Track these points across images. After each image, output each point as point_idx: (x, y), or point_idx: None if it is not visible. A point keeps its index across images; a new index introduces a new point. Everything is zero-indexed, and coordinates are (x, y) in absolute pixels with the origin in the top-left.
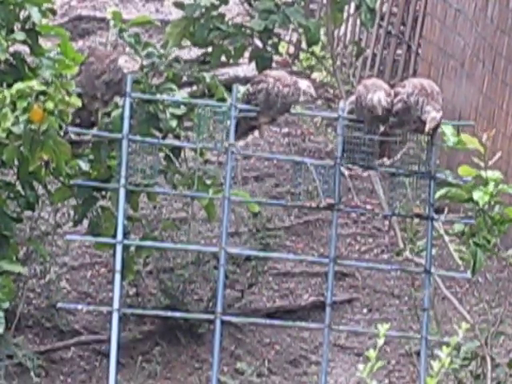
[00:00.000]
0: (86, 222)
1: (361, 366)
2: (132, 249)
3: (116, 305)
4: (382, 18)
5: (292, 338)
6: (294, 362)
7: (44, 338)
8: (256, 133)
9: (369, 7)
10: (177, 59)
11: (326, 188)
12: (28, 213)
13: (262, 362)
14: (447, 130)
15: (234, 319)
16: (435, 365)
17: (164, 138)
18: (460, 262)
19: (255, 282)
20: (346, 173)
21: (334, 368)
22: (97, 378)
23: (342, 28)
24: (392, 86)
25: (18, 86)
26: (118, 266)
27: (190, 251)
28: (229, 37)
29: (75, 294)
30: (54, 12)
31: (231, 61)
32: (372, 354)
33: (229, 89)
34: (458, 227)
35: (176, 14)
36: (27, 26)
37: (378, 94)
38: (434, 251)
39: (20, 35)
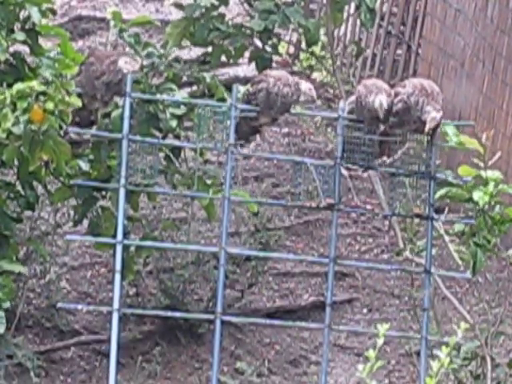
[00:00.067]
0: (86, 222)
1: (360, 366)
2: (132, 249)
3: (116, 305)
4: (382, 18)
5: (292, 338)
6: (294, 362)
7: (44, 338)
8: (258, 137)
9: (368, 7)
10: (177, 59)
11: (326, 188)
12: (28, 213)
13: (261, 362)
14: (449, 130)
15: (234, 319)
16: (434, 365)
17: (164, 137)
18: (460, 262)
19: (255, 281)
20: (346, 173)
21: (333, 368)
22: (97, 378)
23: (342, 28)
24: (392, 86)
25: (18, 86)
26: (118, 266)
27: (190, 251)
28: (229, 37)
29: (75, 294)
30: (54, 12)
31: (231, 61)
32: (372, 354)
33: (229, 89)
34: (458, 227)
35: (176, 14)
36: (27, 26)
37: (379, 97)
38: (434, 251)
39: (20, 35)
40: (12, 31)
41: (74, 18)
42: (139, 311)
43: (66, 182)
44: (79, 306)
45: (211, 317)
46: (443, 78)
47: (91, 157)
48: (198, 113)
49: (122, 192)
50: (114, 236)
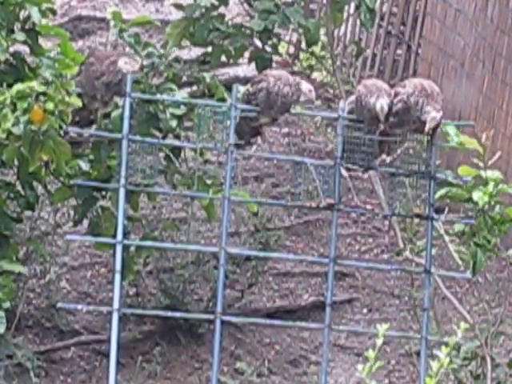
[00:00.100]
0: (86, 222)
1: (360, 367)
2: (132, 249)
3: (116, 305)
4: (382, 18)
5: (292, 338)
6: (294, 362)
7: (44, 338)
8: (259, 139)
9: (368, 7)
10: (177, 59)
11: (326, 188)
12: (28, 213)
13: (261, 362)
14: (450, 130)
15: (234, 319)
16: (434, 365)
17: (164, 138)
18: (460, 262)
19: (255, 281)
20: (346, 174)
21: (334, 368)
22: (97, 378)
23: (342, 28)
24: (392, 86)
25: (19, 86)
26: (118, 266)
27: (190, 251)
28: (229, 37)
29: (75, 294)
30: (54, 12)
31: (231, 61)
32: (371, 354)
33: (229, 89)
34: (458, 227)
35: (176, 15)
36: (27, 26)
37: (380, 100)
38: (434, 251)
39: (20, 35)
40: (12, 31)
41: (74, 18)
42: (139, 311)
43: (66, 181)
44: (79, 306)
45: (211, 317)
46: (443, 78)
47: (91, 157)
48: (198, 113)
49: (121, 192)
50: (114, 236)
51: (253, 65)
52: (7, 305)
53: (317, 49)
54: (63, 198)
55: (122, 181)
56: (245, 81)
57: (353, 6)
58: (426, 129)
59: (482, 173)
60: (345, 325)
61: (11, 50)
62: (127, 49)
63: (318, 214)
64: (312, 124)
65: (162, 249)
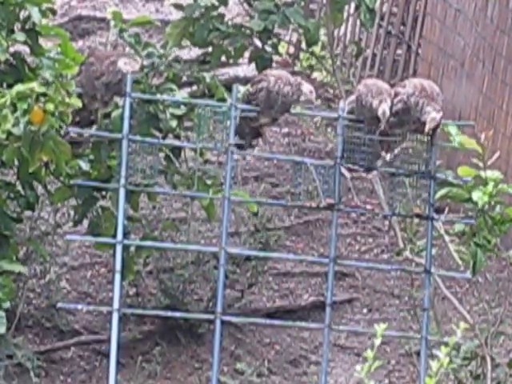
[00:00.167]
0: (86, 222)
1: (359, 367)
2: (132, 249)
3: (116, 305)
4: (382, 18)
5: (292, 338)
6: (294, 362)
7: (44, 338)
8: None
9: (368, 7)
10: (177, 59)
11: (326, 188)
12: (28, 213)
13: (261, 362)
14: (452, 129)
15: (234, 319)
16: (434, 365)
17: (164, 138)
18: (460, 262)
19: (255, 281)
20: (348, 175)
21: (334, 368)
22: (97, 378)
23: (342, 28)
24: (392, 86)
25: (19, 87)
26: (118, 266)
27: (190, 251)
28: (228, 37)
29: (75, 293)
30: (54, 12)
31: (231, 61)
32: (370, 354)
33: (229, 89)
34: (458, 227)
35: (176, 15)
36: (27, 26)
37: (383, 105)
38: (434, 251)
39: (20, 35)
40: (12, 31)
41: (74, 18)
42: (139, 311)
43: (66, 181)
44: (79, 306)
45: (211, 317)
46: (443, 78)
47: (91, 157)
48: (198, 113)
49: (121, 192)
50: (114, 236)
51: (253, 65)
52: (7, 305)
53: (317, 49)
54: (63, 198)
55: (122, 181)
56: (245, 81)
57: (353, 5)
58: (426, 129)
59: (482, 173)
60: (345, 325)
61: (11, 50)
62: (127, 49)
63: (318, 214)
64: (312, 124)
65: (161, 249)
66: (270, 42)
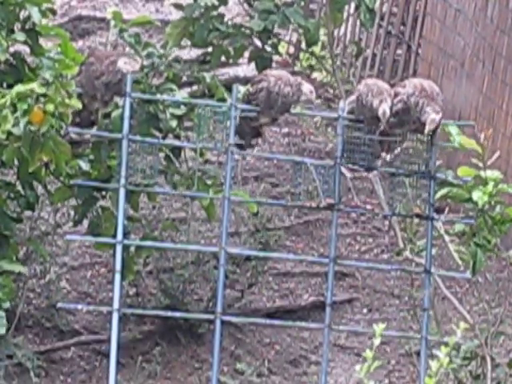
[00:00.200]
0: (86, 222)
1: (358, 367)
2: (132, 249)
3: (116, 305)
4: (382, 18)
5: (292, 338)
6: (294, 362)
7: (44, 338)
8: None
9: (368, 7)
10: (177, 59)
11: (326, 188)
12: (28, 213)
13: (261, 362)
14: (453, 130)
15: (234, 319)
16: (434, 365)
17: (164, 138)
18: (460, 262)
19: (255, 281)
20: (349, 175)
21: (334, 368)
22: (97, 377)
23: (342, 28)
24: (392, 86)
25: (19, 88)
26: (118, 266)
27: (190, 251)
28: (228, 37)
29: (75, 293)
30: (54, 12)
31: (231, 61)
32: (369, 354)
33: (229, 89)
34: (458, 227)
35: (176, 14)
36: (27, 26)
37: (383, 105)
38: (434, 251)
39: (20, 35)
40: (12, 31)
41: (74, 18)
42: (139, 311)
43: (66, 181)
44: (79, 306)
45: (211, 317)
46: (443, 78)
47: (91, 157)
48: (198, 113)
49: (121, 192)
50: (114, 236)
51: (253, 65)
52: (7, 305)
53: (317, 49)
54: (63, 198)
55: (122, 181)
56: (245, 81)
57: (353, 5)
58: (426, 131)
59: (482, 173)
60: (345, 325)
61: (11, 50)
62: (127, 49)
63: (318, 214)
64: (312, 124)
65: (161, 249)
66: (269, 42)
